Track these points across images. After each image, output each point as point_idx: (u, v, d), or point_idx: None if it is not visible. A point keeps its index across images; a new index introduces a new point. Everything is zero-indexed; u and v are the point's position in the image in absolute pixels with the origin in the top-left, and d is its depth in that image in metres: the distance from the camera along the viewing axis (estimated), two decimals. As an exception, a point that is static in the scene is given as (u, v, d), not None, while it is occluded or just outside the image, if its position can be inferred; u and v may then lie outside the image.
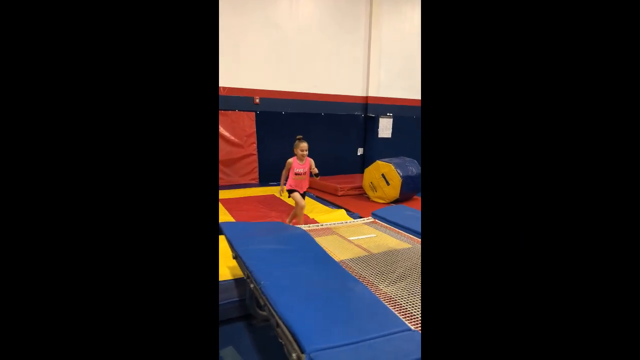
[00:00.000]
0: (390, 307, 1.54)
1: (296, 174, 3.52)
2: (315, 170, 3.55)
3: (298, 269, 1.71)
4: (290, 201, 3.81)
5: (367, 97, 7.08)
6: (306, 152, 3.50)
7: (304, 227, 3.25)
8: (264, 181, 6.18)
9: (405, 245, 2.99)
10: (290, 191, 3.61)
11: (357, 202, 5.09)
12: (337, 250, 2.79)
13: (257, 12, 5.90)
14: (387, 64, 7.12)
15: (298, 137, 3.53)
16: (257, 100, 6.15)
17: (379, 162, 5.20)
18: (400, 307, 1.79)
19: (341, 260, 2.56)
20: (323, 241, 3.01)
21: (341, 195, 5.46)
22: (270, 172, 6.31)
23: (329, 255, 2.04)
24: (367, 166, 5.46)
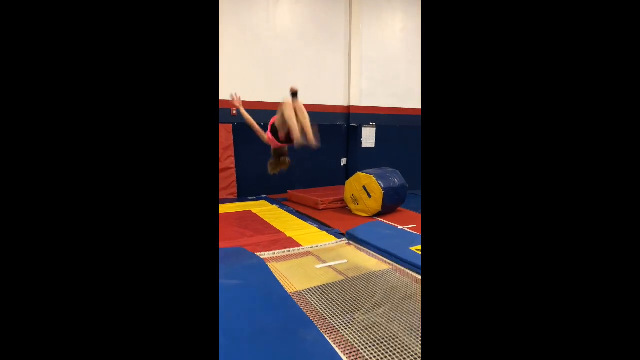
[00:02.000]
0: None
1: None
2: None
3: (248, 308, 1.46)
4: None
5: (349, 107, 6.91)
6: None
7: (266, 254, 3.00)
8: (242, 196, 5.93)
9: (383, 267, 2.77)
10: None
11: (338, 216, 4.86)
12: (307, 277, 2.56)
13: (232, 19, 5.71)
14: (368, 71, 6.97)
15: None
16: (234, 112, 5.92)
17: (359, 174, 4.99)
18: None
19: (309, 288, 2.33)
20: (294, 265, 2.79)
21: (323, 209, 5.23)
22: (249, 187, 6.06)
23: (284, 293, 1.79)
24: (350, 177, 5.25)
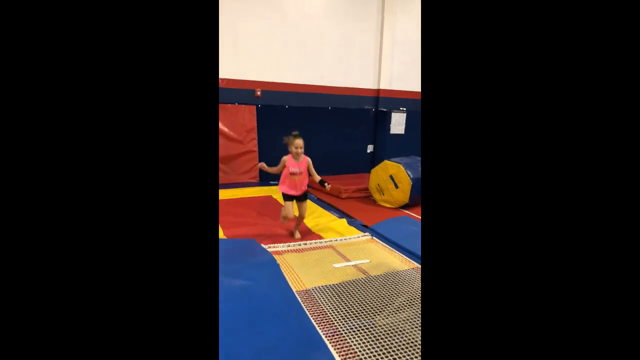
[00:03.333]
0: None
1: (291, 173, 3.07)
2: (320, 180, 3.12)
3: (250, 320, 1.29)
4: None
5: (378, 90, 6.56)
6: (302, 150, 3.07)
7: (281, 246, 2.82)
8: (264, 180, 5.79)
9: (408, 266, 2.54)
10: (284, 196, 3.20)
11: (361, 207, 4.63)
12: (323, 274, 2.37)
13: (258, -3, 5.45)
14: (400, 54, 6.56)
15: (293, 133, 3.10)
16: (259, 93, 5.73)
17: (387, 162, 4.71)
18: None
19: (327, 285, 2.14)
20: (310, 260, 2.60)
21: (345, 198, 5.01)
22: (272, 170, 5.92)
23: (294, 299, 1.60)
24: (377, 165, 4.98)
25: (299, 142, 3.05)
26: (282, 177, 3.16)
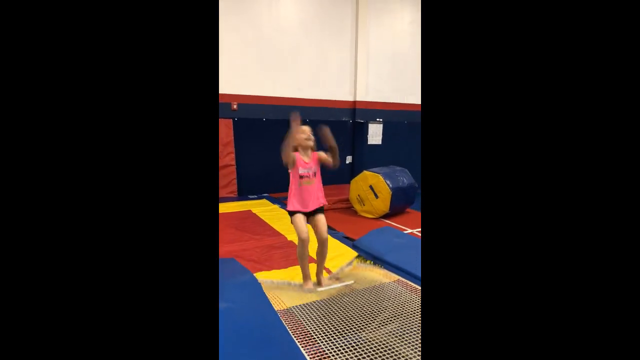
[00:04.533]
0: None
1: (301, 176, 2.20)
2: (332, 147, 2.19)
3: (232, 349, 1.21)
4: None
5: (354, 102, 6.62)
6: (312, 141, 2.21)
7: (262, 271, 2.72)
8: (242, 194, 5.68)
9: (390, 279, 2.50)
10: (291, 213, 2.24)
11: (343, 218, 4.60)
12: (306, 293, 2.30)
13: (235, 13, 5.43)
14: (375, 66, 6.67)
15: (293, 118, 2.24)
16: (235, 106, 5.66)
17: (366, 173, 4.72)
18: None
19: (309, 302, 2.07)
20: (293, 277, 2.51)
21: (326, 210, 4.96)
22: (250, 185, 5.81)
23: (279, 322, 1.53)
24: (357, 176, 4.97)
25: (307, 129, 2.19)
26: (290, 189, 2.26)
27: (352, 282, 2.49)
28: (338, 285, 2.47)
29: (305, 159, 2.22)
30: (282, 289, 2.32)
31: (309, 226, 2.27)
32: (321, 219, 2.27)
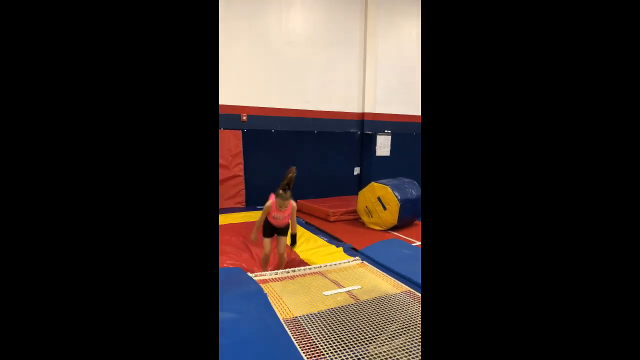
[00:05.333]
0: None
1: (274, 217, 2.92)
2: (293, 235, 2.91)
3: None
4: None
5: (363, 114, 6.65)
6: (289, 201, 2.83)
7: (267, 275, 2.73)
8: (250, 205, 5.69)
9: (399, 290, 2.46)
10: (264, 231, 2.95)
11: (350, 229, 4.57)
12: (312, 302, 2.27)
13: (242, 22, 5.54)
14: (384, 78, 6.72)
15: (290, 172, 2.87)
16: (244, 118, 5.73)
17: (374, 184, 4.70)
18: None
19: (316, 312, 2.04)
20: (298, 287, 2.50)
21: (333, 221, 4.95)
22: (258, 195, 5.82)
23: (285, 335, 1.51)
24: (364, 187, 4.96)
25: (289, 197, 2.81)
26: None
27: (359, 287, 2.49)
28: (344, 290, 2.47)
29: (279, 208, 2.81)
30: (292, 296, 2.30)
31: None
32: (282, 240, 2.96)
